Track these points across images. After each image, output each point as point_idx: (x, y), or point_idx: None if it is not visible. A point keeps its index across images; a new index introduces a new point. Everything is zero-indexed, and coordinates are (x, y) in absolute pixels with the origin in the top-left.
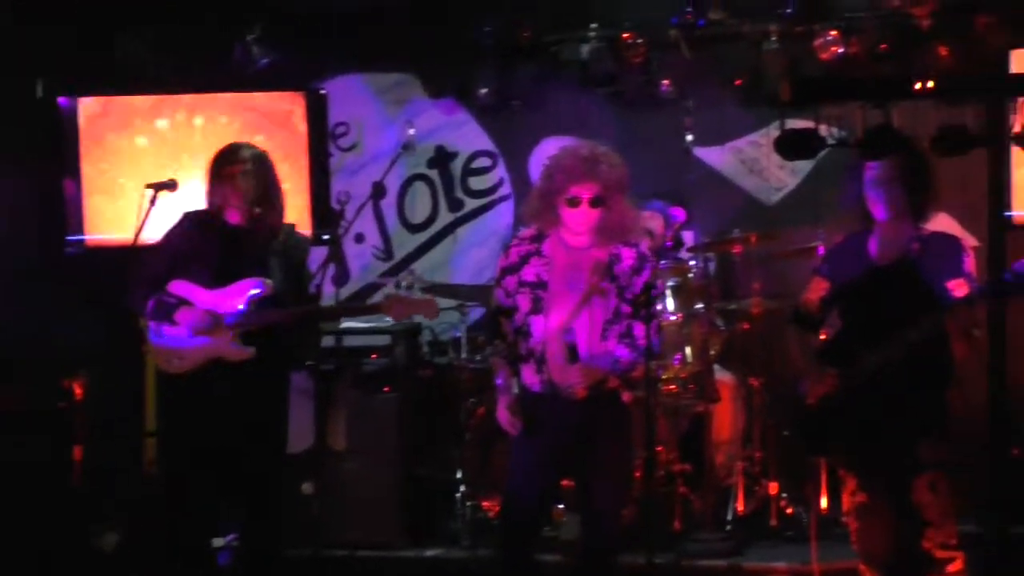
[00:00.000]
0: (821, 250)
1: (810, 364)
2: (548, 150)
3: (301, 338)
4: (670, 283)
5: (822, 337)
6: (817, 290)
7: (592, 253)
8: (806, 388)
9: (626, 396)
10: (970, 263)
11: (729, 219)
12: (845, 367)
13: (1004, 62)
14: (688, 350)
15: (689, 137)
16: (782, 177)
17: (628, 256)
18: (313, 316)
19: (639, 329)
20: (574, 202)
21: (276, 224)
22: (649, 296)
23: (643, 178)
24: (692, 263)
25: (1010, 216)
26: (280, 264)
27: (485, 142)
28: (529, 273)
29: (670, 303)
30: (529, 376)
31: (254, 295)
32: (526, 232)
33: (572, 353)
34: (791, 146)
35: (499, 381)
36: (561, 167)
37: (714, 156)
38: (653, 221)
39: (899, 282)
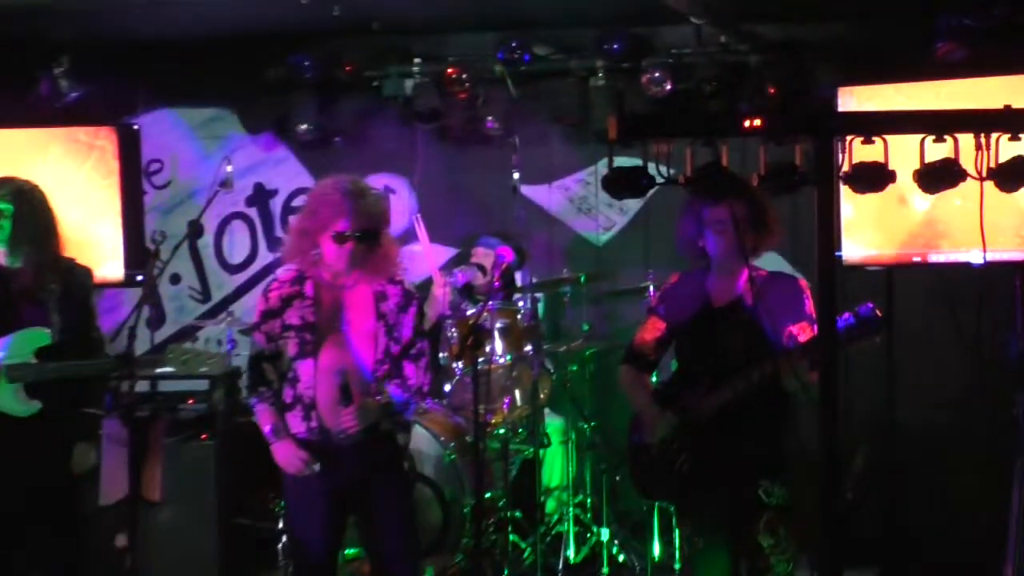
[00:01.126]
0: (652, 290)
1: (645, 406)
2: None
3: (87, 389)
4: (498, 325)
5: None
6: (652, 331)
7: (358, 291)
8: (641, 431)
9: (401, 438)
10: (811, 305)
11: (558, 259)
12: (682, 409)
13: (832, 100)
14: (517, 393)
15: (516, 175)
16: (611, 216)
17: (394, 293)
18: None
19: (409, 368)
20: (341, 238)
21: (48, 263)
22: (421, 333)
23: (470, 217)
24: (521, 304)
25: (840, 256)
26: (58, 305)
27: (306, 179)
28: (293, 316)
29: (499, 346)
30: (296, 424)
31: (35, 344)
32: (285, 274)
33: (345, 395)
34: (619, 184)
35: (267, 428)
36: (326, 202)
37: (542, 195)
38: (485, 259)
39: (737, 323)
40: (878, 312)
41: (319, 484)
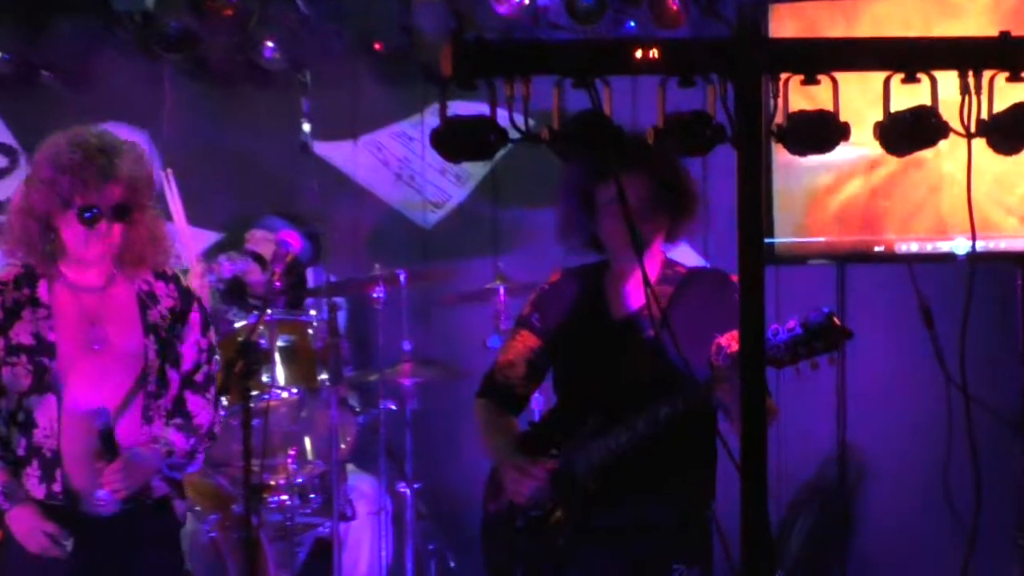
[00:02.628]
0: (502, 294)
1: (507, 457)
2: None
3: None
4: (281, 343)
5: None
6: (522, 351)
7: (115, 294)
8: (500, 493)
9: (179, 505)
10: None
11: (368, 249)
12: (561, 460)
13: (761, 21)
14: (308, 443)
15: (306, 127)
16: (444, 187)
17: (166, 294)
18: None
19: (195, 403)
20: (90, 217)
21: None
22: (208, 350)
23: (241, 186)
24: (314, 314)
25: (772, 244)
26: None
27: (2, 134)
28: (23, 333)
29: (281, 373)
30: (33, 486)
31: None
32: (5, 273)
33: (106, 445)
34: (456, 142)
35: None
36: (63, 166)
37: (344, 156)
38: (263, 247)
39: (642, 341)
40: (835, 320)
41: (62, 570)
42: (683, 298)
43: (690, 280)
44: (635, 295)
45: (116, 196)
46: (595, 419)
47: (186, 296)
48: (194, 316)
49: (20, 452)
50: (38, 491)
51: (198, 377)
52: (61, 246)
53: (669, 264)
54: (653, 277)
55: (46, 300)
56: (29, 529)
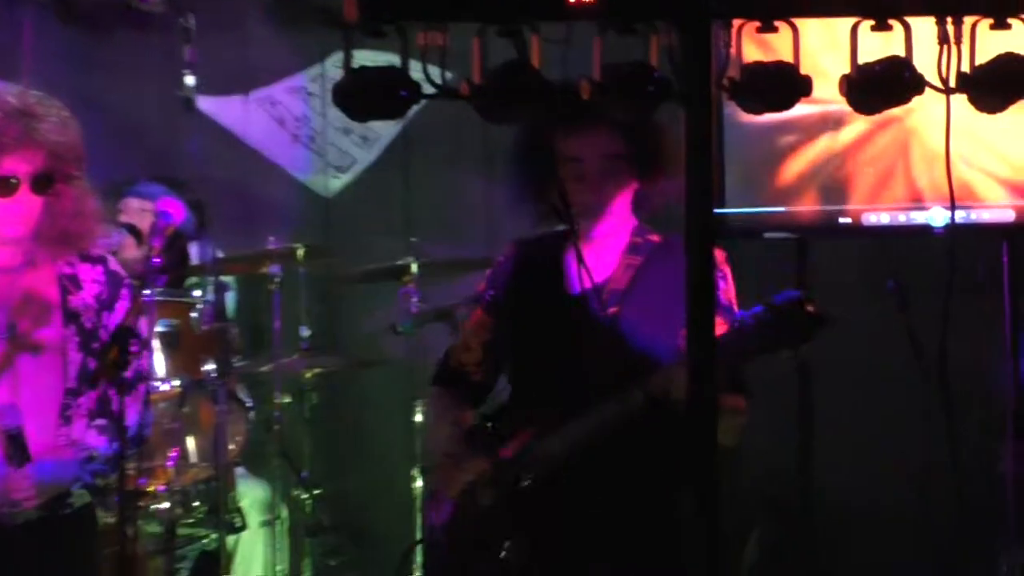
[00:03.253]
0: (415, 273)
1: (448, 452)
2: None
3: None
4: (160, 328)
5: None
6: (477, 332)
7: (30, 277)
8: (441, 498)
9: (101, 515)
10: (729, 287)
11: (262, 220)
12: (510, 457)
13: None
14: (191, 443)
15: (189, 80)
16: (348, 150)
17: (91, 278)
18: None
19: (121, 402)
20: (6, 185)
21: None
22: (125, 346)
23: (112, 148)
24: (198, 295)
25: (723, 214)
26: None
27: None
28: None
29: (160, 363)
30: None
31: None
32: None
33: (16, 449)
34: (363, 97)
35: None
36: None
37: (233, 113)
38: (139, 218)
39: (605, 316)
40: (808, 306)
41: None
42: (652, 271)
43: (663, 250)
44: (599, 267)
45: (38, 164)
46: (551, 413)
47: (114, 281)
48: (122, 304)
49: None
50: None
51: (116, 374)
52: None
53: (640, 231)
54: (620, 246)
55: None
56: None
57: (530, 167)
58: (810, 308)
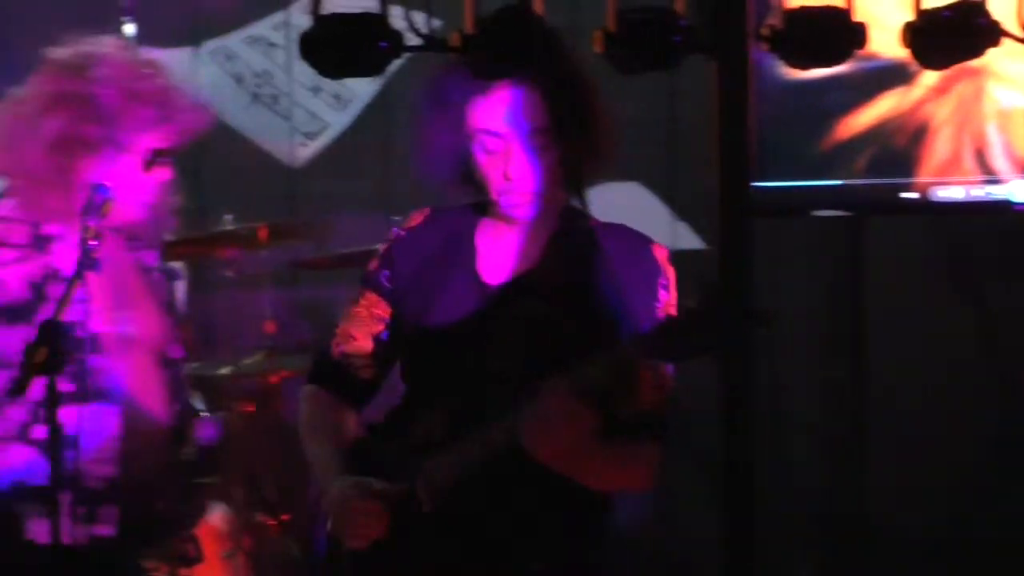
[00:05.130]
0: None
1: (325, 469)
2: None
3: None
4: None
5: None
6: (367, 320)
7: (114, 263)
8: (324, 519)
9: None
10: (670, 296)
11: (216, 195)
12: (399, 473)
13: None
14: None
15: (129, 29)
16: (318, 112)
17: (157, 267)
18: None
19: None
20: (155, 159)
21: None
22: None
23: None
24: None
25: (762, 188)
26: None
27: None
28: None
29: None
30: None
31: None
32: (11, 232)
33: None
34: (335, 51)
35: None
36: (133, 91)
37: (180, 67)
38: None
39: (526, 318)
40: (711, 298)
41: None
42: (583, 261)
43: (600, 238)
44: (520, 254)
45: (184, 140)
46: (444, 421)
47: (170, 276)
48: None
49: None
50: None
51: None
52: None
53: (569, 215)
54: (551, 229)
55: (68, 271)
56: None
57: (439, 128)
58: (712, 302)
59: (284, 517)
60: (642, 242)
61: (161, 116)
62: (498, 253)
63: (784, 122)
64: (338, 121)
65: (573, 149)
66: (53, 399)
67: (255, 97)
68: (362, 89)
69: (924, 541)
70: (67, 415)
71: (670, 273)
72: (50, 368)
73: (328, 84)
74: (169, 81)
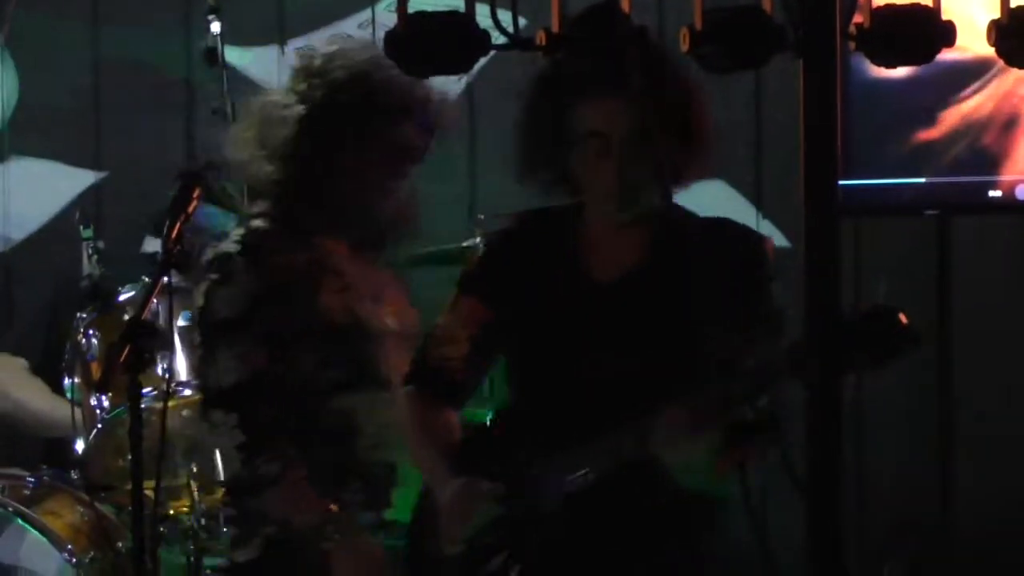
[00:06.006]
0: None
1: (438, 474)
2: None
3: None
4: (182, 322)
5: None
6: (465, 324)
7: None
8: (432, 525)
9: None
10: (775, 283)
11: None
12: (513, 481)
13: None
14: (219, 456)
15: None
16: None
17: None
18: None
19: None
20: (410, 150)
21: None
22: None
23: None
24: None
25: (849, 187)
26: None
27: None
28: (335, 309)
29: (181, 363)
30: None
31: None
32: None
33: None
34: (420, 49)
35: None
36: (389, 87)
37: (265, 66)
38: None
39: (637, 316)
40: (902, 318)
41: None
42: (689, 260)
43: (705, 237)
44: (625, 254)
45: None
46: (550, 422)
47: None
48: None
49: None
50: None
51: None
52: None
53: (674, 213)
54: (652, 230)
55: (334, 265)
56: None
57: (539, 134)
58: (903, 321)
59: None
60: (747, 235)
61: (405, 110)
62: (603, 253)
63: (870, 120)
64: None
65: (676, 150)
66: (136, 399)
67: None
68: (447, 87)
69: (1009, 545)
70: (344, 403)
71: (776, 265)
72: (135, 367)
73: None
74: (411, 78)
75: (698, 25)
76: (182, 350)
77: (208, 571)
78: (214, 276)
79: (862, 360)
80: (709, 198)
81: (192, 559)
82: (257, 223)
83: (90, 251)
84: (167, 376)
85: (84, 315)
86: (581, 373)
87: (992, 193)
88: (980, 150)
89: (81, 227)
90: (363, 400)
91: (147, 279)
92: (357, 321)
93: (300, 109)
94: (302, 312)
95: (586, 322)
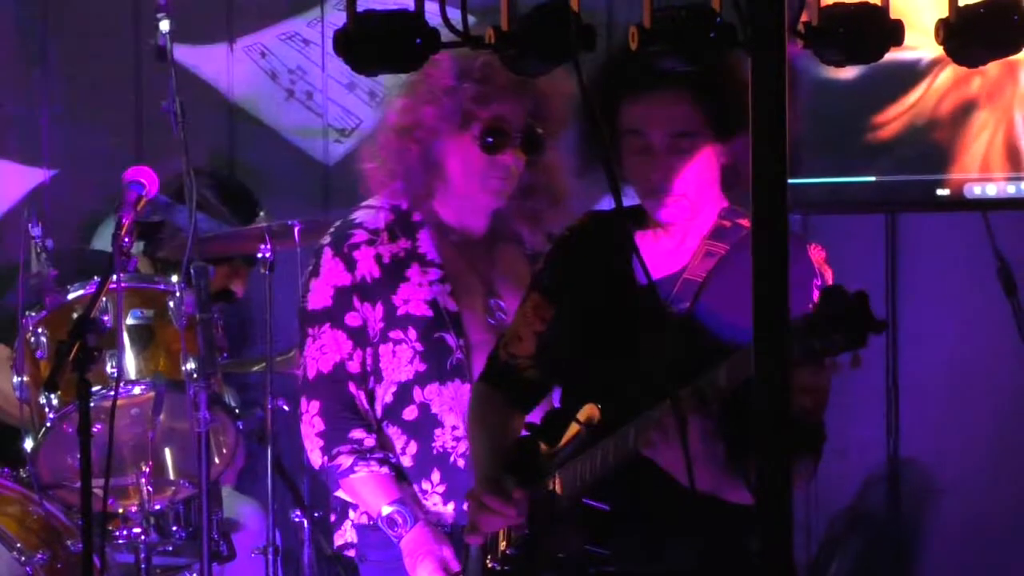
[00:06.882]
0: None
1: (486, 471)
2: None
3: None
4: (130, 321)
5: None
6: (531, 319)
7: (507, 253)
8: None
9: None
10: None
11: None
12: (543, 474)
13: None
14: (168, 456)
15: (163, 25)
16: (353, 108)
17: None
18: None
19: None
20: (495, 139)
21: None
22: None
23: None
24: (175, 280)
25: (798, 185)
26: None
27: None
28: (414, 297)
29: (131, 362)
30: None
31: None
32: (371, 219)
33: None
34: (370, 47)
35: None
36: (455, 72)
37: (215, 64)
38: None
39: (675, 312)
40: (865, 302)
41: None
42: (738, 261)
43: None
44: (672, 255)
45: (522, 117)
46: (591, 421)
47: None
48: None
49: (411, 461)
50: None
51: None
52: (445, 181)
53: (728, 214)
54: (701, 232)
55: (432, 255)
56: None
57: (592, 131)
58: (866, 307)
59: (316, 514)
60: (797, 243)
61: (489, 93)
62: (650, 256)
63: (818, 118)
64: (372, 118)
65: (731, 151)
66: (85, 398)
67: (289, 94)
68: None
69: (951, 536)
70: (429, 393)
71: (827, 274)
72: (83, 365)
73: (363, 81)
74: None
75: (647, 24)
76: (131, 348)
77: (158, 570)
78: (309, 268)
79: (839, 341)
80: None
81: (141, 560)
82: (360, 215)
83: (38, 249)
84: (116, 374)
85: (33, 313)
86: (616, 375)
87: (940, 192)
88: (929, 149)
89: (29, 225)
90: (445, 392)
91: (96, 277)
92: (445, 313)
93: None
94: (387, 304)
95: (623, 326)
